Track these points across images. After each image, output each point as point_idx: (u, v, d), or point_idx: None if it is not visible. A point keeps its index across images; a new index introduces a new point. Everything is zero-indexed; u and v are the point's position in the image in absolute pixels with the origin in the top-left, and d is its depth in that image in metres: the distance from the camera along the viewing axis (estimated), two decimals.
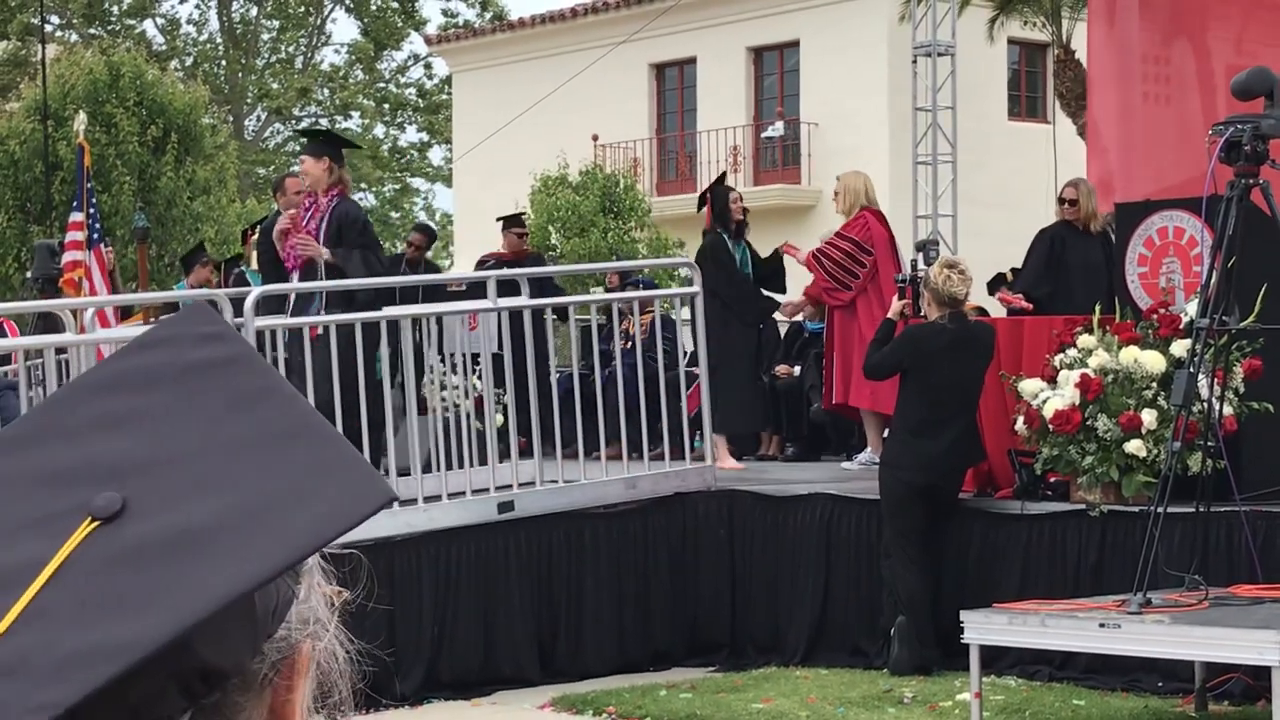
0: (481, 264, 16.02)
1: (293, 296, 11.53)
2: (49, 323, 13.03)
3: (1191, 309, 9.55)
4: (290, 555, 1.17)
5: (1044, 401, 10.13)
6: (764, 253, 14.15)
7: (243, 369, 1.26)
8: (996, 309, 14.35)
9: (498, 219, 16.98)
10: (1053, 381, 10.22)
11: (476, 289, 13.00)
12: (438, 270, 19.30)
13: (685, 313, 14.57)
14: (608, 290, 16.57)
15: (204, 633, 1.18)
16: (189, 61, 46.05)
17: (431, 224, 23.57)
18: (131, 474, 1.21)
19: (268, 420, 1.24)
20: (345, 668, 1.33)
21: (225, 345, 1.27)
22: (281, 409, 1.25)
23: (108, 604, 1.16)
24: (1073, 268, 12.34)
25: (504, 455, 11.72)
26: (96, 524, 1.19)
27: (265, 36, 47.86)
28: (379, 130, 48.93)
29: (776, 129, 31.85)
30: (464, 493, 11.06)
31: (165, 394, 1.25)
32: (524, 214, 17.94)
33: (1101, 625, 8.20)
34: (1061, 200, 12.74)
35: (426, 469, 11.33)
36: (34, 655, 1.14)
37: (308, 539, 1.19)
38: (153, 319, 14.27)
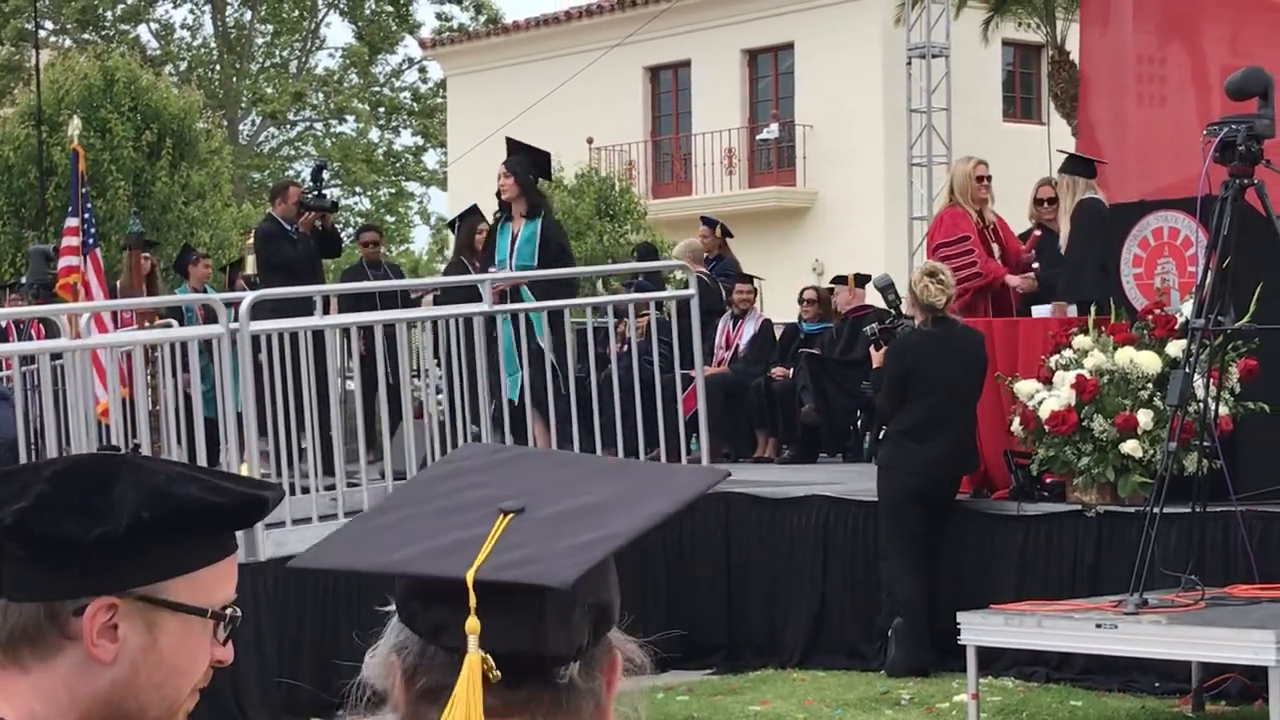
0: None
1: None
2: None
3: (1187, 309, 9.55)
4: (674, 506, 1.77)
5: (1040, 402, 10.13)
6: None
7: (538, 451, 1.93)
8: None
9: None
10: (1048, 382, 10.22)
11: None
12: (399, 271, 19.19)
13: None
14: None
15: (607, 575, 1.75)
16: (183, 66, 46.04)
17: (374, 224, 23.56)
18: (518, 496, 1.76)
19: (591, 462, 1.87)
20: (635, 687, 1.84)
21: (518, 450, 1.91)
22: (591, 459, 1.89)
23: (566, 530, 1.71)
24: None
25: None
26: (510, 515, 1.74)
27: (259, 41, 47.85)
28: (374, 134, 48.94)
29: (771, 131, 31.86)
30: None
31: (506, 468, 1.83)
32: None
33: (1098, 626, 8.20)
34: (1040, 200, 12.59)
35: None
36: (536, 556, 1.69)
37: (679, 497, 1.79)
38: (149, 324, 14.26)
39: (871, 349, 11.17)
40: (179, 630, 1.97)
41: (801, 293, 16.67)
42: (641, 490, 1.79)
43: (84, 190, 15.44)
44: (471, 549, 1.71)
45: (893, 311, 11.32)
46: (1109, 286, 11.28)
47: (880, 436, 11.16)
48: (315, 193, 14.18)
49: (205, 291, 15.66)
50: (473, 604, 1.70)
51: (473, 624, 1.70)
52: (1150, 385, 9.96)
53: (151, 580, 1.95)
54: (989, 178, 12.23)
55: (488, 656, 1.70)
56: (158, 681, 1.97)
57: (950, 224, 12.07)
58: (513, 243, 11.79)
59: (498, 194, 12.03)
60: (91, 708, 1.95)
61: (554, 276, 13.23)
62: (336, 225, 14.76)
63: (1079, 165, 11.92)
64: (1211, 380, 9.13)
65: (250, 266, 15.12)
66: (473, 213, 15.20)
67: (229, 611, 2.02)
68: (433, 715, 1.72)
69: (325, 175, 15.25)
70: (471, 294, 12.50)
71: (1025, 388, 10.27)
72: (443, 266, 44.18)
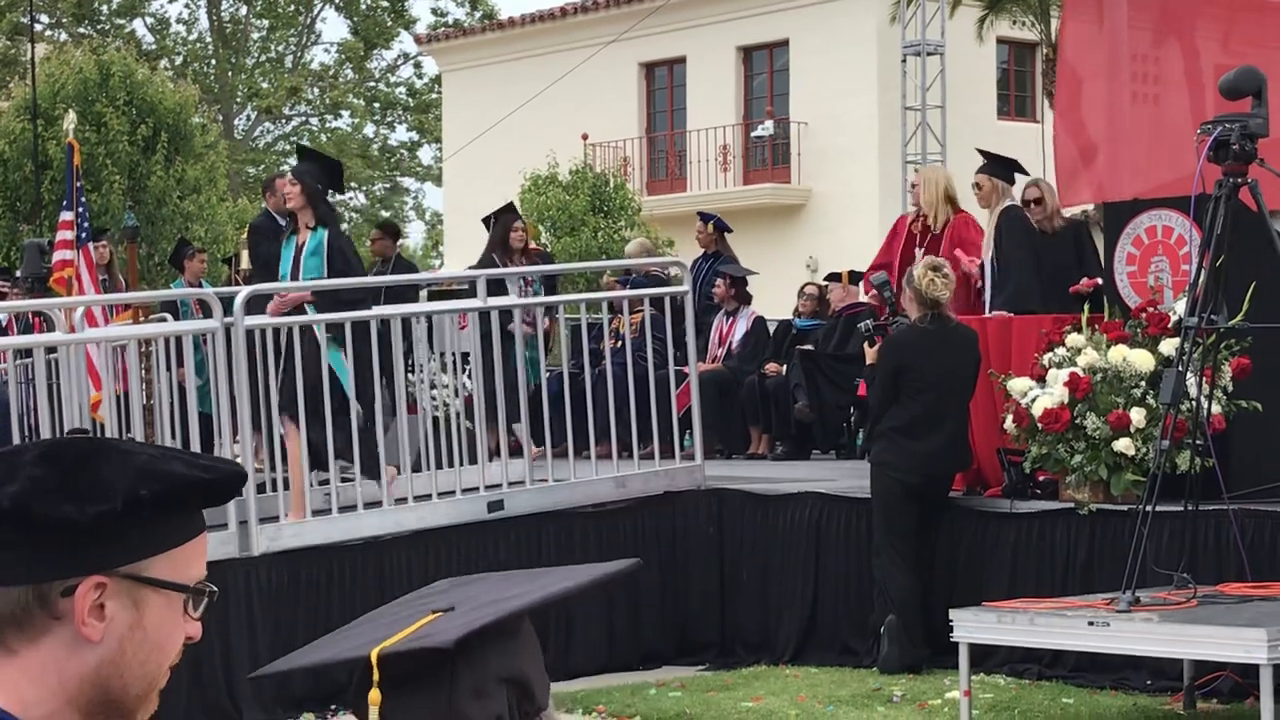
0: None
1: None
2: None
3: (1180, 308, 9.56)
4: (571, 586, 2.18)
5: (1033, 400, 10.14)
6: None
7: (492, 575, 2.28)
8: None
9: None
10: (1042, 380, 10.23)
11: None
12: (413, 267, 19.28)
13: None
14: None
15: (521, 651, 2.09)
16: (179, 61, 46.04)
17: (395, 221, 24.06)
18: (455, 602, 2.11)
19: (525, 574, 2.24)
20: None
21: (478, 575, 2.30)
22: (530, 573, 2.21)
23: (474, 615, 2.03)
24: (1050, 273, 12.27)
25: (494, 454, 11.73)
26: (439, 614, 2.07)
27: (255, 36, 47.85)
28: (369, 129, 48.96)
29: (766, 128, 31.87)
30: (454, 492, 11.06)
31: (453, 590, 2.21)
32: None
33: (1090, 623, 8.21)
34: (1026, 202, 12.60)
35: (416, 468, 11.34)
36: (435, 634, 2.03)
37: (569, 587, 2.18)
38: (144, 318, 14.26)
39: (865, 345, 11.18)
40: (162, 607, 2.02)
41: (803, 288, 16.69)
42: (554, 582, 2.17)
43: (79, 184, 15.43)
44: (387, 637, 2.01)
45: (888, 308, 11.34)
46: (1045, 293, 11.34)
47: (870, 432, 11.16)
48: None
49: (200, 286, 15.66)
50: (376, 678, 1.94)
51: (374, 695, 1.95)
52: (1143, 383, 9.97)
53: (137, 558, 1.99)
54: (915, 185, 12.59)
55: None
56: (142, 659, 2.01)
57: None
58: (298, 254, 11.08)
59: (293, 207, 11.31)
60: (79, 688, 1.98)
61: (569, 270, 13.22)
62: None
63: (1000, 169, 12.01)
64: (1204, 379, 9.14)
65: (246, 261, 15.14)
66: (508, 210, 15.20)
67: (207, 587, 2.07)
68: None
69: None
70: (499, 290, 12.57)
71: (1018, 385, 10.28)
72: (437, 262, 44.11)
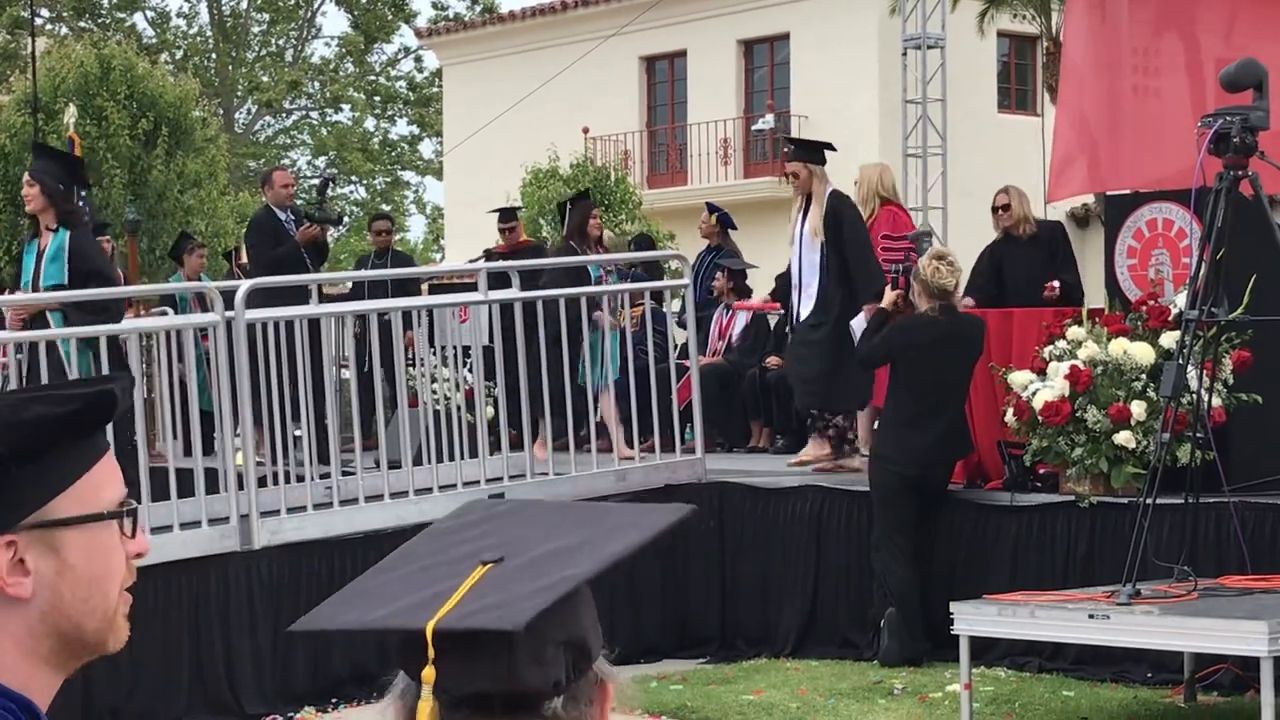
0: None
1: None
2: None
3: (1180, 301, 9.57)
4: (636, 543, 1.98)
5: (1034, 393, 10.14)
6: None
7: (534, 506, 2.10)
8: None
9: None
10: (1042, 373, 10.23)
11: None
12: (410, 259, 19.28)
13: (676, 304, 14.58)
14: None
15: (579, 612, 1.95)
16: (179, 54, 46.00)
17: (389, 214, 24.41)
18: (500, 546, 1.96)
19: (577, 508, 2.08)
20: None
21: (515, 502, 2.10)
22: (579, 511, 2.07)
23: (534, 574, 1.91)
24: (1020, 278, 12.29)
25: (495, 448, 11.73)
26: (489, 565, 1.93)
27: (255, 29, 47.82)
28: (369, 123, 48.93)
29: (767, 122, 31.85)
30: (455, 485, 11.07)
31: (500, 520, 2.04)
32: (516, 208, 17.84)
33: (1091, 616, 8.22)
34: (995, 209, 12.66)
35: (417, 461, 11.35)
36: (499, 602, 1.87)
37: (641, 536, 1.98)
38: (145, 312, 14.27)
39: (888, 288, 11.10)
40: (83, 542, 2.00)
41: None
42: (612, 531, 2.01)
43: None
44: (440, 601, 1.89)
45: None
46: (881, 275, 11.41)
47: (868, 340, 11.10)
48: (320, 207, 14.16)
49: (200, 280, 15.66)
50: (431, 654, 1.86)
51: (428, 673, 1.87)
52: (1144, 376, 9.97)
53: (37, 506, 1.97)
54: (856, 183, 12.74)
55: (436, 704, 1.89)
56: (83, 595, 2.01)
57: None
58: (39, 259, 10.51)
59: (27, 204, 10.84)
60: (34, 643, 1.99)
61: (569, 264, 13.22)
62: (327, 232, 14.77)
63: (809, 153, 12.05)
64: (1205, 372, 9.15)
65: (242, 255, 15.15)
66: (584, 196, 15.18)
67: (124, 506, 2.05)
68: None
69: (330, 191, 15.19)
70: (580, 277, 12.57)
71: (1019, 379, 10.28)
72: (438, 255, 44.10)
